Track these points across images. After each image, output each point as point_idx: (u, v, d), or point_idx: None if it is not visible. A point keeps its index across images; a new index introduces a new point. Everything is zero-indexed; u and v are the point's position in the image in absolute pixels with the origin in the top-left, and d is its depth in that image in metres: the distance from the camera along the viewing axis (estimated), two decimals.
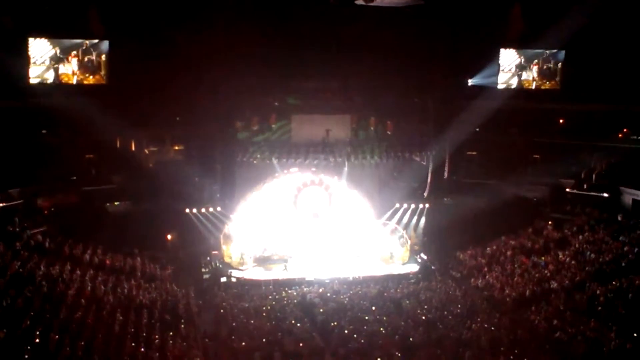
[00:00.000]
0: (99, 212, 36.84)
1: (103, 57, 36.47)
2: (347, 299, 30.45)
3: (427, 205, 38.94)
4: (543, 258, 33.62)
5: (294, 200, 38.64)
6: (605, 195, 38.32)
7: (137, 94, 37.32)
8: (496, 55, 40.61)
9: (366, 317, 27.67)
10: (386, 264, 36.79)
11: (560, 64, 41.04)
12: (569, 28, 36.07)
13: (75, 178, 38.35)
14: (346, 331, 26.15)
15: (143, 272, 32.31)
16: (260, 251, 36.98)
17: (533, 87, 41.35)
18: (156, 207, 37.26)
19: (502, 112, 39.50)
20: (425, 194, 39.97)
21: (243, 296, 31.28)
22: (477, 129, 40.89)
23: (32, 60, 35.08)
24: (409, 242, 38.51)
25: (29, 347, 20.46)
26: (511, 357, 23.30)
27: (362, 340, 25.08)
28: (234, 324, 26.78)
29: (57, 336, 21.48)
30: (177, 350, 22.89)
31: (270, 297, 31.27)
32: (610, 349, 23.27)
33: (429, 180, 39.90)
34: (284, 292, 32.03)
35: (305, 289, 32.45)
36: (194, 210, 36.85)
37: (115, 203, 38.04)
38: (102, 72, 36.60)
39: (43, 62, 35.32)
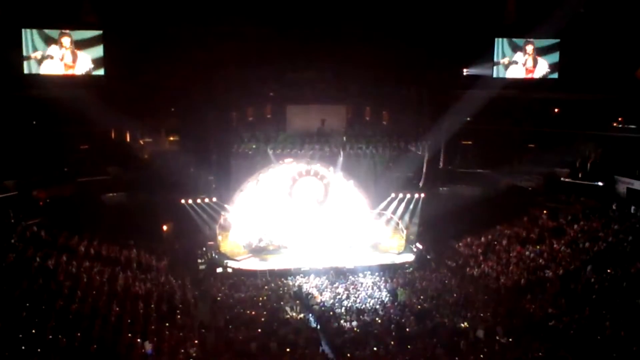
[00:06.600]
0: (95, 203, 36.80)
1: (97, 47, 36.35)
2: (342, 288, 30.50)
3: (422, 195, 38.97)
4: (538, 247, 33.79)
5: (289, 191, 38.70)
6: (600, 184, 38.46)
7: (132, 85, 37.27)
8: (491, 45, 40.59)
9: (362, 307, 27.76)
10: (382, 254, 36.89)
11: (555, 53, 41.03)
12: (564, 17, 36.07)
13: (70, 169, 38.26)
14: (342, 321, 26.25)
15: (139, 263, 32.27)
16: (256, 241, 37.01)
17: (528, 76, 41.35)
18: (151, 198, 37.31)
19: (497, 101, 39.48)
20: (421, 184, 40.07)
21: (239, 286, 31.31)
22: (469, 119, 40.98)
23: (25, 51, 34.95)
24: (405, 231, 38.62)
25: (25, 339, 20.48)
26: (506, 346, 23.43)
27: (358, 330, 25.19)
28: (230, 315, 26.84)
29: (53, 327, 21.52)
30: (174, 340, 22.96)
31: (266, 287, 31.31)
32: (604, 336, 23.42)
33: (424, 170, 39.99)
34: (280, 282, 32.08)
35: (301, 279, 32.50)
36: (190, 201, 36.89)
37: (111, 194, 38.00)
38: (96, 63, 36.47)
39: (37, 53, 35.20)
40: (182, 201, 36.77)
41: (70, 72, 36.09)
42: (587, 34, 38.07)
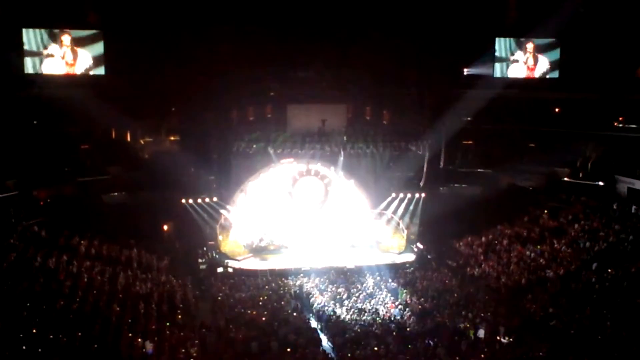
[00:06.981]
0: (95, 203, 36.80)
1: (98, 46, 36.39)
2: (343, 288, 30.48)
3: (423, 195, 38.92)
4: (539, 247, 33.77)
5: (290, 190, 38.74)
6: (601, 183, 38.44)
7: (132, 84, 37.24)
8: (492, 44, 40.57)
9: (362, 307, 27.74)
10: (383, 254, 36.88)
11: (555, 52, 41.03)
12: (564, 16, 36.05)
13: (70, 169, 38.24)
14: (342, 321, 26.23)
15: (140, 262, 32.30)
16: (257, 241, 37.01)
17: (529, 75, 41.34)
18: (152, 197, 37.28)
19: (498, 101, 39.46)
20: (421, 184, 39.99)
21: (240, 286, 31.32)
22: (469, 118, 41.01)
23: (26, 51, 34.98)
24: (405, 231, 38.60)
25: (26, 338, 20.48)
26: (507, 346, 23.43)
27: (359, 330, 25.18)
28: (230, 314, 26.84)
29: (54, 327, 21.52)
30: (175, 340, 22.95)
31: (266, 287, 31.30)
32: (605, 336, 23.41)
33: (425, 169, 39.90)
34: (280, 282, 32.07)
35: (301, 279, 32.48)
36: (190, 201, 36.84)
37: (111, 194, 37.98)
38: (97, 61, 36.51)
39: (38, 53, 35.23)
40: (183, 201, 36.74)
41: (71, 70, 36.11)
42: (588, 34, 38.04)
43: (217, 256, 35.63)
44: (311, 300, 29.16)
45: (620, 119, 41.20)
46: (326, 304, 28.38)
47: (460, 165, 42.95)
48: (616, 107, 40.62)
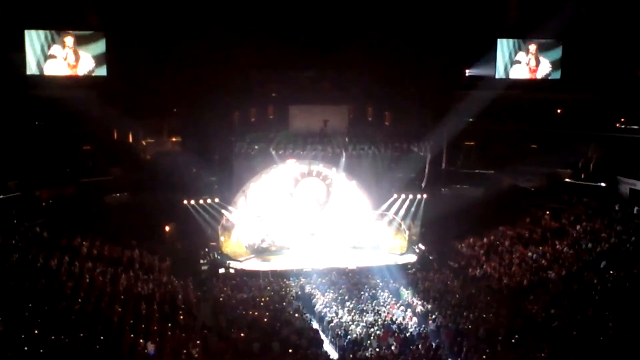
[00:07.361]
0: (97, 204, 36.86)
1: (100, 48, 36.46)
2: (345, 289, 30.46)
3: (424, 196, 38.88)
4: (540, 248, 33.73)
5: (292, 191, 38.77)
6: (603, 184, 38.43)
7: (134, 86, 37.32)
8: (493, 45, 40.58)
9: (364, 308, 27.72)
10: (384, 255, 36.86)
11: (557, 53, 41.03)
12: (567, 18, 36.06)
13: (72, 170, 38.28)
14: (344, 322, 26.22)
15: (141, 263, 32.29)
16: (259, 242, 37.02)
17: (531, 76, 41.34)
18: (154, 198, 37.30)
19: (500, 102, 39.47)
20: (423, 185, 39.99)
21: (241, 287, 31.27)
22: (471, 119, 41.04)
23: (28, 52, 35.05)
24: (407, 232, 38.59)
25: (28, 339, 20.49)
26: (509, 347, 23.40)
27: (360, 331, 25.15)
28: (232, 315, 26.83)
29: (56, 328, 21.52)
30: (176, 341, 22.95)
31: (268, 288, 31.27)
32: (607, 337, 23.37)
33: (426, 170, 39.89)
34: (282, 283, 32.04)
35: (303, 280, 32.46)
36: (192, 202, 36.82)
37: (113, 195, 38.04)
38: (99, 63, 36.58)
39: (40, 54, 35.32)
40: (185, 202, 36.72)
41: (73, 72, 36.22)
42: (590, 34, 38.04)
43: (218, 257, 35.61)
44: (313, 301, 29.13)
45: (622, 119, 41.18)
46: (328, 305, 28.35)
47: (462, 166, 42.98)
48: (618, 108, 40.61)
